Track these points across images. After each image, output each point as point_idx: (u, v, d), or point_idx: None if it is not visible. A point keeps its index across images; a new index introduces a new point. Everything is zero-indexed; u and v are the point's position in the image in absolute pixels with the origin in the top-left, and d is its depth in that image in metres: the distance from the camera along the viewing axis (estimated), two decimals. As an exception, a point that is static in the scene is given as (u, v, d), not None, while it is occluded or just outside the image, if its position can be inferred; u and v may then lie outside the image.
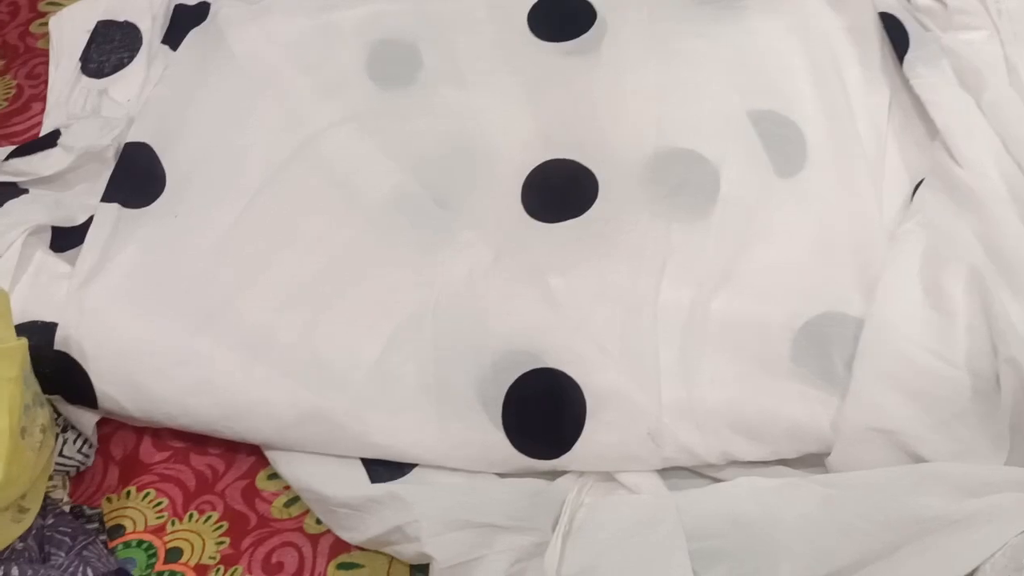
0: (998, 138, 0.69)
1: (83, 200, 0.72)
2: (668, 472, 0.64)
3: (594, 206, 0.72)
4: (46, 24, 0.88)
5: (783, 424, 0.63)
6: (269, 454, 0.66)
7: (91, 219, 0.70)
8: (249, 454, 0.68)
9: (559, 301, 0.67)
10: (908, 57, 0.73)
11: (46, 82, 0.85)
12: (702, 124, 0.74)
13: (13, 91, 0.87)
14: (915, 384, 0.61)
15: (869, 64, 0.76)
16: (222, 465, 0.68)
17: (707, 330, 0.66)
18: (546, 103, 0.77)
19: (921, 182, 0.70)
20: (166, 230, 0.70)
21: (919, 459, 0.60)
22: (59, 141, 0.72)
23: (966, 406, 0.60)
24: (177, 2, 0.85)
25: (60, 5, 0.92)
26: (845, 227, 0.69)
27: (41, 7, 0.92)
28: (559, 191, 0.73)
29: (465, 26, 0.81)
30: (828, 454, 0.62)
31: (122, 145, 0.74)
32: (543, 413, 0.64)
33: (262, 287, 0.68)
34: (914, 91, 0.72)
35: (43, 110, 0.83)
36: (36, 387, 0.61)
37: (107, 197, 0.71)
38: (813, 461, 0.64)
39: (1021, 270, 0.62)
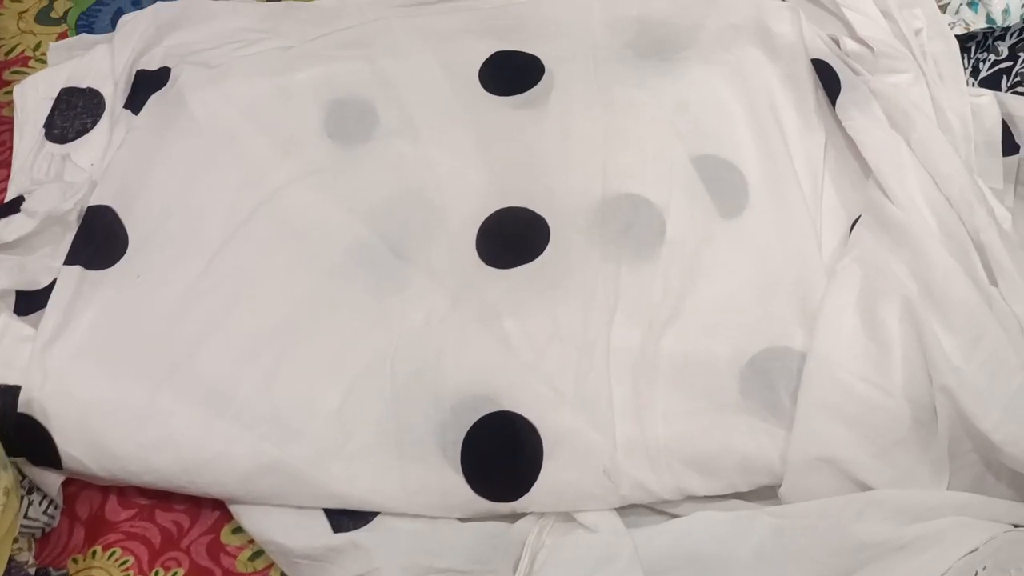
0: (928, 175, 0.72)
1: (47, 263, 0.73)
2: (626, 510, 0.66)
3: (546, 251, 0.74)
4: (11, 93, 0.90)
5: (734, 458, 0.65)
6: (233, 508, 0.67)
7: (55, 282, 0.72)
8: (214, 509, 0.69)
9: (514, 344, 0.70)
10: (840, 100, 0.77)
11: (11, 149, 0.86)
12: (647, 170, 0.77)
13: (-23, 159, 0.88)
14: (856, 414, 0.63)
15: (804, 108, 0.79)
16: (187, 521, 0.69)
17: (658, 368, 0.68)
18: (498, 154, 0.80)
19: (858, 219, 0.73)
20: (128, 290, 0.72)
21: (864, 487, 0.62)
22: (22, 207, 0.74)
23: (905, 434, 0.63)
24: (139, 68, 0.87)
25: (25, 73, 0.94)
26: (786, 264, 0.72)
27: (6, 76, 0.94)
28: (512, 238, 0.75)
29: (419, 83, 0.84)
30: (780, 485, 0.64)
31: (85, 208, 0.75)
32: (501, 456, 0.66)
33: (222, 341, 0.69)
34: (847, 133, 0.76)
35: (7, 176, 0.85)
36: (0, 450, 0.62)
37: (70, 260, 0.73)
38: (767, 493, 0.66)
39: (951, 303, 0.65)
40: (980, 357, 0.62)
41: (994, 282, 0.66)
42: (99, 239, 0.74)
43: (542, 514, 0.65)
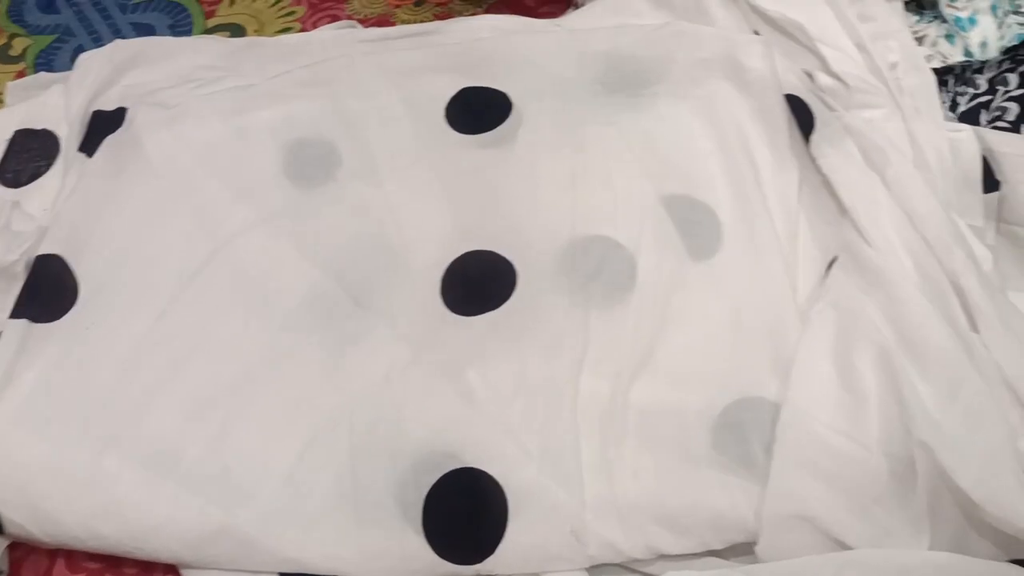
0: (904, 215, 0.70)
1: (-9, 316, 0.71)
2: (596, 569, 0.63)
3: (512, 297, 0.71)
4: (-34, 134, 0.88)
5: (706, 515, 0.62)
6: (184, 573, 0.64)
7: (-1, 335, 0.69)
8: (165, 573, 0.66)
9: (477, 396, 0.67)
10: (814, 137, 0.74)
11: (-37, 192, 0.84)
12: (616, 211, 0.75)
13: (-70, 201, 0.85)
14: (832, 469, 0.61)
15: (777, 145, 0.77)
16: (137, 586, 0.66)
17: (627, 421, 0.65)
18: (463, 195, 0.77)
19: (834, 260, 0.71)
20: (75, 345, 0.69)
21: (843, 545, 0.60)
22: (-34, 259, 0.71)
23: (883, 490, 0.60)
24: (95, 108, 0.84)
25: (-20, 114, 0.92)
26: (759, 309, 0.69)
27: (-39, 116, 0.92)
28: (477, 283, 0.73)
29: (382, 122, 0.82)
30: (755, 543, 0.61)
31: (33, 258, 0.73)
32: (464, 516, 0.63)
33: (170, 400, 0.67)
34: (822, 171, 0.73)
35: (-43, 220, 0.82)
36: (-65, 519, 0.59)
37: (16, 313, 0.70)
38: (743, 549, 0.63)
39: (928, 350, 0.62)
40: (959, 409, 0.60)
41: (975, 328, 0.64)
42: (47, 290, 0.71)
43: (495, 577, 0.63)
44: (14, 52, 0.97)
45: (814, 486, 0.60)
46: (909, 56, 0.79)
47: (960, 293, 0.65)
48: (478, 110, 0.82)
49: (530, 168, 0.78)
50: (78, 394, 0.66)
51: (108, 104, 0.84)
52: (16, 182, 0.82)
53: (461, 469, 0.63)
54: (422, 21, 0.99)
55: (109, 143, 0.80)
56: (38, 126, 0.85)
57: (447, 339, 0.70)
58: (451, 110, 0.83)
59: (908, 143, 0.75)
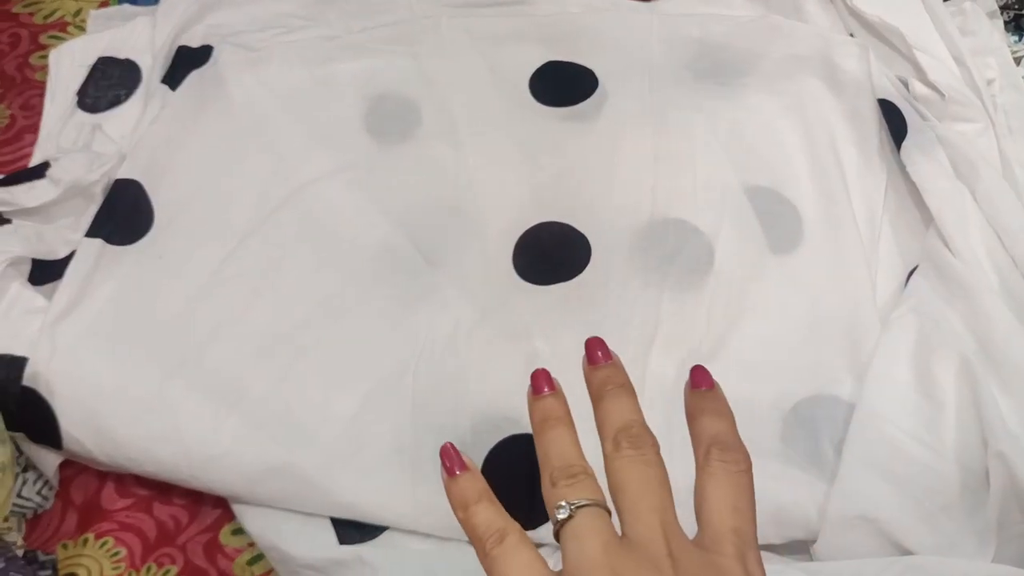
0: (992, 230, 0.69)
1: (66, 234, 0.70)
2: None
3: (585, 271, 0.71)
4: (46, 57, 0.88)
5: (768, 507, 0.60)
6: (235, 507, 0.64)
7: (72, 254, 0.69)
8: (215, 506, 0.66)
9: (544, 365, 0.66)
10: (905, 144, 0.73)
11: (40, 114, 0.83)
12: (697, 196, 0.74)
13: (6, 121, 0.85)
14: (903, 474, 0.60)
15: (866, 148, 0.76)
16: (185, 516, 0.66)
17: (694, 405, 0.64)
18: (542, 166, 0.77)
19: (915, 268, 0.70)
20: (147, 270, 0.69)
21: (904, 550, 0.59)
22: (47, 173, 0.71)
23: (953, 499, 0.59)
24: (180, 43, 0.84)
25: (62, 39, 0.92)
26: (838, 308, 0.68)
27: (43, 39, 0.92)
28: (551, 254, 0.72)
29: (466, 86, 0.81)
30: (814, 541, 0.60)
31: (112, 181, 0.73)
32: (520, 481, 0.62)
33: (238, 335, 0.66)
34: (910, 178, 0.72)
35: (34, 142, 0.82)
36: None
37: (92, 232, 0.70)
38: (798, 547, 0.62)
39: (1010, 364, 0.61)
40: (1039, 425, 0.59)
41: (1056, 348, 0.63)
42: (124, 213, 0.71)
43: (557, 547, 0.62)
44: (100, -18, 0.97)
45: (882, 488, 0.59)
46: (1007, 74, 0.78)
47: (1045, 312, 0.64)
48: (563, 83, 0.82)
49: (612, 145, 0.77)
50: (147, 319, 0.66)
51: (194, 41, 0.84)
52: (95, 107, 0.82)
53: (520, 435, 0.63)
54: (505, -7, 0.99)
55: (194, 78, 0.80)
56: (121, 55, 0.85)
57: (516, 305, 0.69)
58: (536, 81, 0.82)
59: (999, 160, 0.74)
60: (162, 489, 0.66)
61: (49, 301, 0.66)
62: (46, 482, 0.65)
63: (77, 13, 0.94)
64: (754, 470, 0.61)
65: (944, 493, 0.59)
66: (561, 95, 0.81)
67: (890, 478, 0.59)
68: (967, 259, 0.67)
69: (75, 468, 0.67)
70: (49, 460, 0.65)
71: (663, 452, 0.62)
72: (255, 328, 0.67)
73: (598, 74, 0.82)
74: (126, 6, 0.94)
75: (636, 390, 0.64)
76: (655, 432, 0.62)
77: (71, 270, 0.67)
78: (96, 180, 0.71)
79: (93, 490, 0.67)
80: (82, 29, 0.92)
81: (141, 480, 0.66)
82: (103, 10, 0.93)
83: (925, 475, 0.59)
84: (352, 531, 0.61)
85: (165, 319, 0.66)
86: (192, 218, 0.72)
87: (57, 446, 0.63)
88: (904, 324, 0.65)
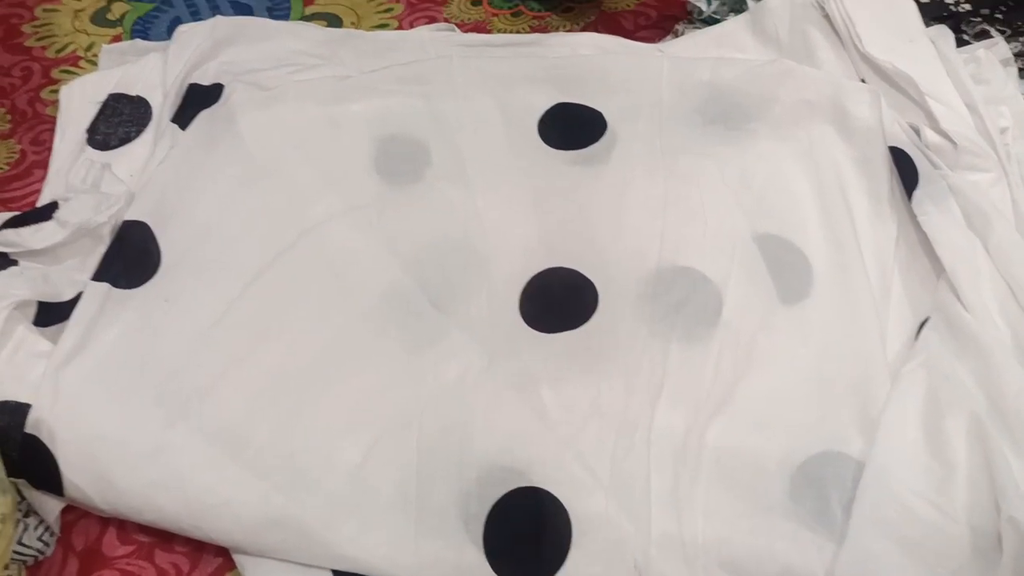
0: (1004, 283, 0.68)
1: (72, 276, 0.70)
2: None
3: (593, 318, 0.70)
4: (57, 91, 0.88)
5: (774, 566, 0.60)
6: (236, 557, 0.63)
7: (78, 296, 0.69)
8: (216, 554, 0.65)
9: (550, 416, 0.66)
10: (917, 194, 0.73)
11: (50, 149, 0.84)
12: (706, 243, 0.74)
13: (16, 156, 0.86)
14: (913, 536, 0.58)
15: (877, 196, 0.76)
16: (187, 565, 0.65)
17: (702, 460, 0.63)
18: (551, 210, 0.77)
19: (926, 320, 0.69)
20: (153, 313, 0.68)
21: (914, 615, 0.58)
22: (55, 215, 0.71)
23: (964, 563, 0.58)
24: (191, 81, 0.84)
25: (74, 73, 0.92)
26: (847, 362, 0.67)
27: (54, 74, 0.92)
28: (558, 300, 0.72)
29: (475, 128, 0.81)
30: (822, 603, 0.59)
31: (119, 223, 0.72)
32: (527, 535, 0.61)
33: (243, 379, 0.66)
34: (922, 228, 0.72)
35: (44, 177, 0.82)
36: (1, 473, 0.59)
37: (98, 276, 0.69)
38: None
39: (1022, 423, 0.60)
40: (1053, 489, 0.58)
41: (1070, 408, 0.62)
42: (131, 256, 0.71)
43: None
44: (112, 16, 0.98)
45: (891, 550, 0.58)
46: (1020, 123, 0.77)
47: (1059, 370, 0.63)
48: (572, 126, 0.82)
49: (621, 190, 0.77)
50: (152, 364, 0.66)
51: (205, 79, 0.85)
52: (105, 144, 0.82)
53: (527, 488, 0.62)
54: (517, 32, 0.99)
55: (204, 117, 0.80)
56: (133, 92, 0.85)
57: (522, 353, 0.69)
58: (544, 123, 0.82)
59: (1012, 211, 0.73)
60: (164, 536, 0.66)
61: (53, 344, 0.66)
62: (47, 528, 0.65)
63: (89, 47, 0.95)
64: (762, 528, 0.61)
65: (955, 557, 0.58)
66: (570, 138, 0.81)
67: (900, 540, 0.58)
68: (979, 313, 0.66)
69: (76, 513, 0.67)
70: (51, 506, 0.64)
71: (669, 509, 0.62)
72: (260, 373, 0.66)
73: (607, 117, 0.82)
74: (138, 41, 0.95)
75: (643, 444, 0.64)
76: (661, 489, 0.62)
77: (76, 315, 0.67)
78: (104, 222, 0.71)
79: (94, 536, 0.66)
80: (94, 63, 0.93)
81: (143, 526, 0.65)
82: (115, 45, 0.94)
83: (935, 538, 0.58)
84: (352, 583, 0.61)
85: (169, 364, 0.66)
86: (199, 260, 0.72)
87: (59, 493, 0.63)
88: (914, 380, 0.64)
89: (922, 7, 0.82)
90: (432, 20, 0.99)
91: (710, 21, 0.93)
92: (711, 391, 0.66)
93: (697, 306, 0.70)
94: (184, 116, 0.81)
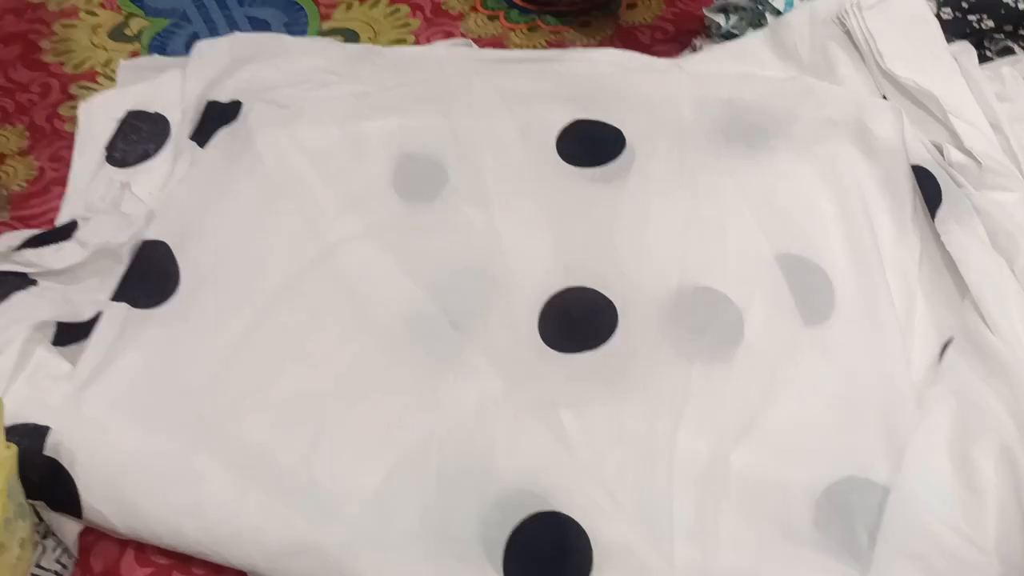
0: (1032, 305, 0.67)
1: (92, 296, 0.70)
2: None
3: (612, 339, 0.70)
4: (75, 107, 0.88)
5: (802, 598, 0.59)
6: (256, 582, 0.63)
7: (97, 316, 0.69)
8: (235, 577, 0.65)
9: (571, 440, 0.65)
10: (940, 213, 0.72)
11: (69, 166, 0.84)
12: (728, 264, 0.73)
13: (35, 173, 0.86)
14: (940, 566, 0.58)
15: (900, 216, 0.75)
16: (205, 587, 0.65)
17: (726, 487, 0.63)
18: (569, 229, 0.76)
19: (949, 340, 0.68)
20: (174, 334, 0.68)
21: (942, 647, 0.57)
22: (75, 235, 0.71)
23: (994, 594, 0.57)
24: (210, 98, 0.84)
25: (91, 89, 0.92)
26: (872, 385, 0.67)
27: (72, 89, 0.92)
28: (577, 321, 0.71)
29: (493, 145, 0.81)
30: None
31: (139, 243, 0.72)
32: (548, 561, 0.61)
33: (265, 403, 0.65)
34: (946, 248, 0.71)
35: (62, 194, 0.82)
36: (21, 497, 0.59)
37: (118, 296, 0.69)
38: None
39: (1053, 452, 0.60)
40: (1084, 519, 0.57)
41: (1099, 435, 0.61)
42: (150, 276, 0.71)
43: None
44: (130, 32, 0.97)
45: (919, 580, 0.58)
46: (1046, 141, 0.76)
47: (1086, 396, 0.62)
48: (590, 143, 0.81)
49: (641, 209, 0.76)
50: (172, 386, 0.66)
51: (223, 96, 0.84)
52: (123, 162, 0.82)
53: (548, 513, 0.61)
54: (534, 46, 0.99)
55: (223, 136, 0.80)
56: (151, 109, 0.85)
57: (542, 374, 0.68)
58: (562, 141, 0.81)
59: (1038, 231, 0.72)
60: (183, 558, 0.65)
61: (73, 364, 0.65)
62: (65, 550, 0.65)
63: (107, 63, 0.95)
64: (788, 557, 0.60)
65: (984, 587, 0.57)
66: (588, 156, 0.80)
67: (927, 570, 0.58)
68: (1006, 336, 0.65)
69: (95, 535, 0.66)
70: (69, 528, 0.64)
71: (693, 537, 0.61)
72: (282, 396, 0.66)
73: (626, 134, 0.81)
74: (156, 56, 0.95)
75: (665, 469, 0.63)
76: (685, 516, 0.61)
77: (96, 336, 0.67)
78: (123, 243, 0.71)
79: (113, 558, 0.66)
80: (112, 79, 0.93)
81: (161, 548, 0.65)
82: (133, 60, 0.94)
83: (964, 568, 0.58)
84: (374, 609, 0.60)
85: (190, 387, 0.66)
86: (219, 280, 0.71)
87: (77, 516, 0.63)
88: (941, 405, 0.64)
89: (944, 24, 0.81)
90: (449, 35, 0.99)
91: (728, 36, 0.92)
92: (733, 415, 0.66)
93: (719, 328, 0.69)
94: (203, 133, 0.81)
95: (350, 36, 0.98)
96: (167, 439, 0.63)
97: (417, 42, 0.98)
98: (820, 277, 0.72)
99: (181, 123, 0.83)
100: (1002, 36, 0.80)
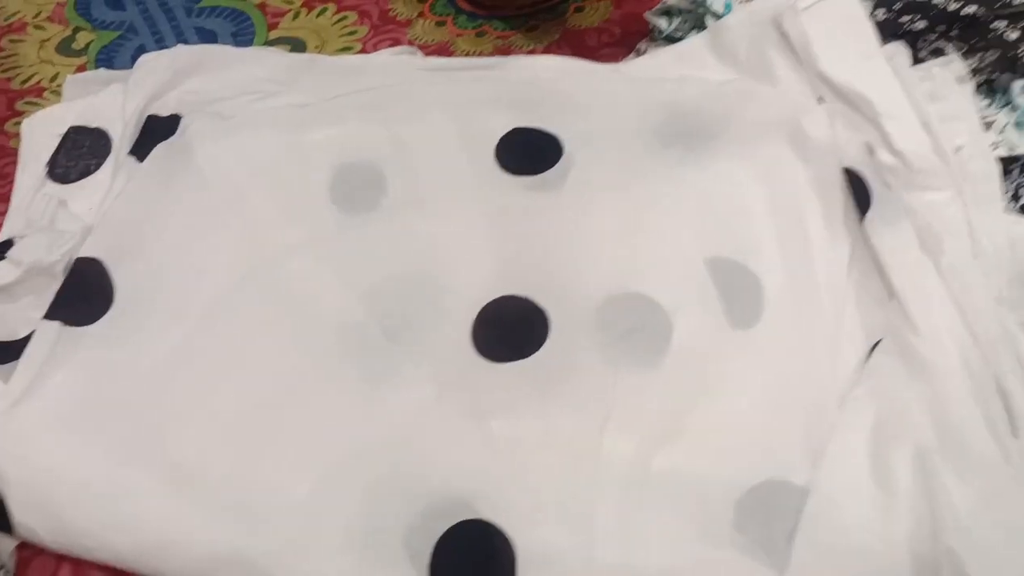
0: (955, 306, 0.68)
1: (27, 314, 0.71)
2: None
3: (543, 347, 0.70)
4: (20, 124, 0.89)
5: (721, 599, 0.60)
6: (189, 594, 0.64)
7: (32, 333, 0.69)
8: (169, 591, 0.66)
9: (499, 447, 0.66)
10: (869, 215, 0.72)
11: (13, 183, 0.84)
12: (659, 269, 0.74)
13: (-19, 190, 0.86)
14: (855, 566, 0.59)
15: (832, 217, 0.75)
16: (140, 601, 0.66)
17: (648, 488, 0.64)
18: (506, 237, 0.77)
19: (878, 343, 0.69)
20: (107, 351, 0.69)
21: (857, 646, 0.58)
22: (8, 254, 0.72)
23: (906, 594, 0.58)
24: (150, 112, 0.85)
25: (39, 105, 0.93)
26: (796, 387, 0.67)
27: (19, 106, 0.93)
28: (510, 329, 0.72)
29: (433, 153, 0.81)
30: (765, 630, 0.60)
31: (73, 260, 0.73)
32: (471, 568, 0.62)
33: (198, 417, 0.66)
34: (874, 251, 0.71)
35: (5, 211, 0.83)
36: (-51, 515, 0.60)
37: (50, 314, 0.70)
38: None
39: (967, 451, 0.60)
40: (992, 518, 0.57)
41: (1016, 433, 0.62)
42: (84, 293, 0.72)
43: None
44: (77, 46, 0.98)
45: (834, 581, 0.58)
46: (976, 141, 0.76)
47: (1004, 396, 0.63)
48: (528, 151, 0.82)
49: (576, 216, 0.77)
50: (106, 402, 0.66)
51: (164, 109, 0.85)
52: (65, 178, 0.82)
53: (473, 520, 0.62)
54: (482, 52, 0.99)
55: (161, 150, 0.81)
56: (93, 124, 0.85)
57: (475, 383, 0.69)
58: (501, 149, 0.82)
59: (966, 231, 0.73)
60: (118, 573, 0.66)
61: (4, 384, 0.66)
62: (2, 566, 0.66)
63: (54, 78, 0.95)
64: (708, 558, 0.61)
65: (896, 587, 0.58)
66: (525, 163, 0.81)
67: (840, 570, 0.58)
68: (928, 338, 0.66)
69: (32, 550, 0.67)
70: (4, 544, 0.65)
71: (616, 538, 0.62)
72: (214, 411, 0.67)
73: (564, 140, 0.81)
74: (102, 71, 0.95)
75: (590, 473, 0.64)
76: (608, 518, 0.62)
77: (27, 354, 0.67)
78: (57, 260, 0.72)
79: (50, 572, 0.67)
80: (58, 94, 0.93)
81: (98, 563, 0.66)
82: (79, 75, 0.94)
83: (878, 568, 0.58)
84: (304, 620, 0.61)
85: (124, 402, 0.66)
86: (154, 296, 0.72)
87: (8, 532, 0.64)
88: (862, 407, 0.64)
89: (878, 25, 0.81)
90: (397, 42, 0.99)
91: (672, 39, 0.93)
92: (659, 419, 0.66)
93: (648, 333, 0.70)
94: (142, 148, 0.82)
95: (297, 45, 0.99)
96: (98, 455, 0.64)
97: (364, 50, 0.98)
98: (751, 280, 0.73)
99: (121, 138, 0.83)
100: (935, 36, 0.81)
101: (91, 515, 0.62)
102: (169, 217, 0.76)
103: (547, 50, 0.99)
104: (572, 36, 1.01)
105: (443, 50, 0.99)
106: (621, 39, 1.00)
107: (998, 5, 0.76)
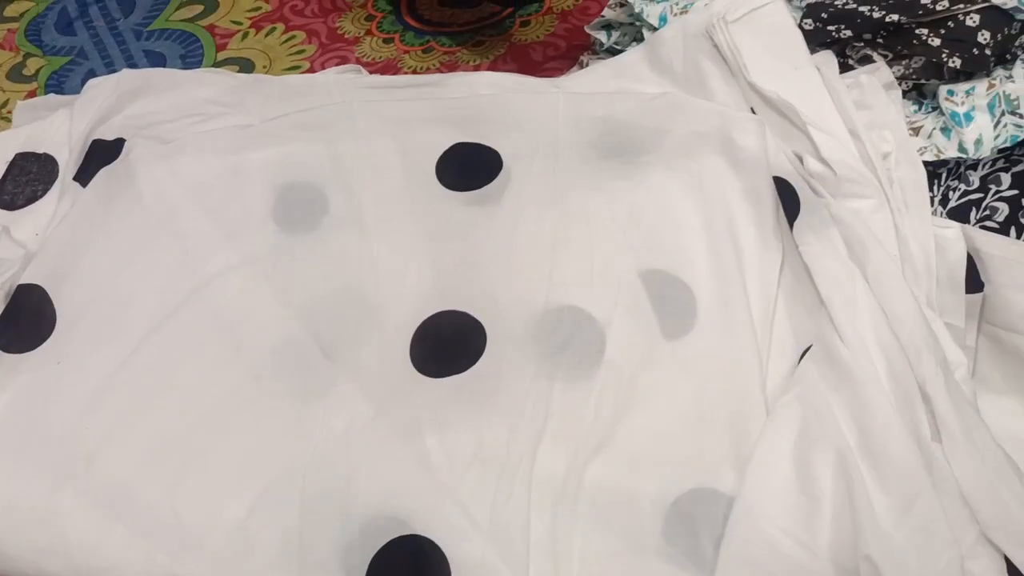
0: (881, 312, 0.69)
1: (-31, 342, 0.72)
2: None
3: (479, 362, 0.71)
4: (-29, 151, 0.90)
5: (648, 608, 0.61)
6: (126, 618, 0.64)
7: (-25, 362, 0.70)
8: (110, 613, 0.67)
9: (432, 463, 0.67)
10: (798, 223, 0.74)
11: (-38, 210, 0.85)
12: (593, 282, 0.75)
13: (-70, 217, 0.87)
14: (778, 572, 0.60)
15: (763, 226, 0.76)
16: (81, 623, 0.66)
17: (579, 501, 0.65)
18: (444, 253, 0.78)
19: (808, 349, 0.70)
20: (44, 377, 0.70)
21: (780, 652, 0.59)
22: (-50, 282, 0.73)
23: (827, 600, 0.59)
24: (95, 137, 0.86)
25: (-13, 132, 0.93)
26: (725, 396, 0.68)
27: (-32, 133, 0.94)
28: (447, 345, 0.73)
29: (374, 172, 0.82)
30: (694, 639, 0.60)
31: (14, 288, 0.74)
32: (406, 584, 0.63)
33: (131, 440, 0.67)
34: (802, 258, 0.73)
35: (-46, 239, 0.83)
36: None
37: (-10, 341, 0.71)
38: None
39: (888, 460, 0.61)
40: (911, 524, 0.58)
41: (938, 438, 0.63)
42: (25, 320, 0.73)
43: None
44: (27, 72, 0.99)
45: (758, 588, 0.59)
46: (903, 148, 0.78)
47: (927, 401, 0.64)
48: (468, 167, 0.83)
49: (512, 231, 0.78)
50: (39, 428, 0.67)
51: (108, 134, 0.86)
52: (12, 204, 0.83)
53: (408, 536, 0.63)
54: (428, 68, 1.00)
55: (103, 175, 0.82)
56: (40, 149, 0.87)
57: (411, 399, 0.70)
58: (441, 165, 0.83)
59: (894, 237, 0.74)
60: (61, 595, 0.67)
61: (-52, 411, 0.67)
62: (-56, 593, 0.66)
63: (4, 104, 0.96)
64: (637, 570, 0.62)
65: (818, 594, 0.59)
66: (465, 179, 0.82)
67: (767, 577, 0.59)
68: (854, 344, 0.67)
69: (-25, 576, 0.68)
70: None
71: (547, 552, 0.63)
72: (147, 433, 0.68)
73: (503, 156, 0.83)
74: (51, 96, 0.96)
75: (523, 487, 0.65)
76: (540, 532, 0.63)
77: (-34, 383, 0.68)
78: (-1, 286, 0.73)
79: (-9, 598, 0.68)
80: (9, 120, 0.94)
81: (39, 586, 0.67)
82: (29, 101, 0.95)
83: (800, 575, 0.59)
84: (239, 639, 0.62)
85: (57, 428, 0.67)
86: (93, 320, 0.73)
87: (-57, 559, 0.64)
88: (788, 414, 0.65)
89: (807, 34, 0.83)
90: (344, 60, 1.01)
91: (613, 51, 0.94)
92: (591, 431, 0.67)
93: (580, 345, 0.71)
94: (86, 173, 0.83)
95: (246, 66, 1.00)
96: (32, 481, 0.65)
97: (312, 68, 1.00)
98: (682, 291, 0.74)
99: (67, 163, 0.84)
100: (862, 45, 0.82)
101: (25, 540, 0.63)
102: (109, 241, 0.77)
103: (493, 65, 1.00)
104: (518, 50, 1.02)
105: (391, 67, 1.00)
106: (566, 52, 1.01)
107: (919, 12, 0.77)
